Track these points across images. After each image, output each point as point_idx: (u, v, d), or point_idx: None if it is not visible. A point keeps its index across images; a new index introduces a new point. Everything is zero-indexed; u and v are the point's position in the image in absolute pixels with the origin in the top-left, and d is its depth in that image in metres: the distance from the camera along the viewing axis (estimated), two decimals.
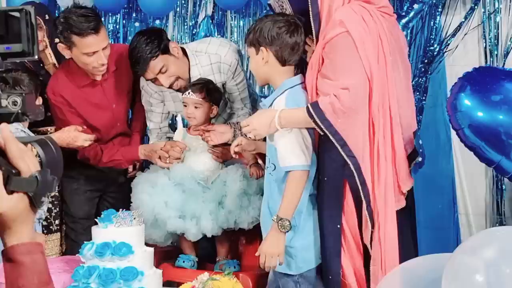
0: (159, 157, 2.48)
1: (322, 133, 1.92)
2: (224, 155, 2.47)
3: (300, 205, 1.99)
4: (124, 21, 3.50)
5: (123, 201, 2.58)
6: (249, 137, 1.98)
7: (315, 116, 1.88)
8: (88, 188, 2.70)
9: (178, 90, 2.49)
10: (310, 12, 1.96)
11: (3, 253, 0.89)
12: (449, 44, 2.95)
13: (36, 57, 0.97)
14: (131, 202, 2.51)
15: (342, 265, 1.96)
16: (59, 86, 2.50)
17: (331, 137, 1.89)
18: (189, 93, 2.42)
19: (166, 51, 2.39)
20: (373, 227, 1.92)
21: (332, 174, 1.96)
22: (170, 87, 2.45)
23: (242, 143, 2.21)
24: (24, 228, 0.89)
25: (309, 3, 1.95)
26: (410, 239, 2.03)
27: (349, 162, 1.90)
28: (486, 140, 2.15)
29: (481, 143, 2.16)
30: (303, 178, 1.97)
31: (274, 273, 2.07)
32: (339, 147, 1.89)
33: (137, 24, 3.51)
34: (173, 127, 2.77)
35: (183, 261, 2.47)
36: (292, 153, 1.97)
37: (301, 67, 2.09)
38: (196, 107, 2.43)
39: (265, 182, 2.11)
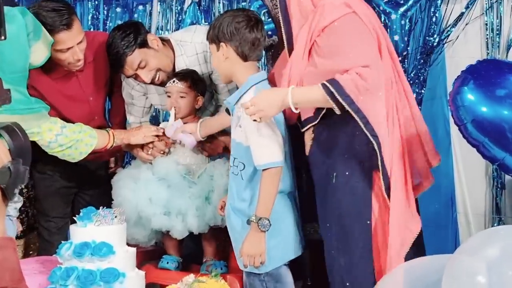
0: (142, 148, 2.45)
1: (338, 112, 1.89)
2: (212, 149, 2.45)
3: None
4: (104, 6, 3.45)
5: (101, 199, 2.53)
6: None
7: (335, 93, 1.86)
8: (63, 184, 2.65)
9: (160, 84, 2.47)
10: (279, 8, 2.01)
11: None
12: (449, 35, 2.95)
13: (3, 38, 0.95)
14: (111, 200, 2.49)
15: (375, 264, 1.95)
16: (31, 78, 2.45)
17: (354, 115, 1.88)
18: (174, 81, 2.41)
19: (143, 44, 2.38)
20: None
21: (358, 168, 1.95)
22: (152, 82, 2.43)
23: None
24: None
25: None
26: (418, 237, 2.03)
27: (372, 141, 1.90)
28: (489, 136, 2.15)
29: (484, 139, 2.16)
30: (278, 175, 2.02)
31: (244, 272, 2.14)
32: (362, 125, 1.89)
33: (118, 9, 3.45)
34: (155, 122, 2.75)
35: (167, 262, 2.44)
36: (267, 150, 2.00)
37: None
38: (181, 97, 2.42)
39: (229, 182, 2.15)
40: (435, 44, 2.96)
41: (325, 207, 2.03)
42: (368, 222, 1.96)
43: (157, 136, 2.46)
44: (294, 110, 1.94)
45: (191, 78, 2.43)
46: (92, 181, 2.71)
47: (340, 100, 1.87)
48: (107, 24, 3.37)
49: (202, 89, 2.48)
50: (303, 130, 2.08)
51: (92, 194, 2.71)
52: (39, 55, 2.25)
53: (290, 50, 2.03)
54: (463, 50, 2.93)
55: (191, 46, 2.46)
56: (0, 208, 0.89)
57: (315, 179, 2.09)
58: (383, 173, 1.92)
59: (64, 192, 2.67)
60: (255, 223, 2.01)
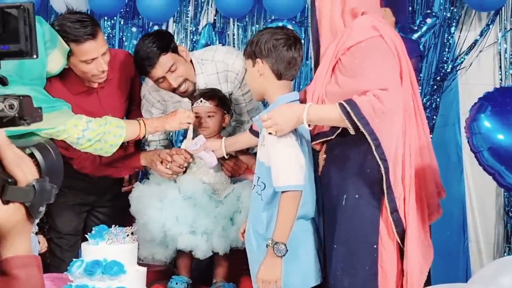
0: (161, 162, 2.46)
1: (353, 132, 1.93)
2: (234, 170, 2.47)
3: None
4: (120, 26, 3.55)
5: (113, 217, 2.58)
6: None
7: (351, 113, 1.89)
8: (77, 201, 2.69)
9: (182, 94, 2.49)
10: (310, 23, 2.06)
11: None
12: (463, 62, 3.01)
13: (35, 56, 0.97)
14: (124, 218, 2.51)
15: None
16: (52, 91, 2.50)
17: (367, 136, 1.91)
18: (201, 101, 2.43)
19: (175, 51, 2.42)
20: (400, 238, 1.96)
21: (368, 192, 1.98)
22: (178, 88, 2.43)
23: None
24: (20, 240, 0.89)
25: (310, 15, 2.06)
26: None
27: (380, 165, 1.92)
28: (506, 164, 2.17)
29: (501, 167, 2.17)
30: (297, 199, 2.00)
31: None
32: (373, 148, 1.91)
33: (134, 29, 3.56)
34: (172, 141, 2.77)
35: (176, 283, 2.45)
36: (287, 172, 1.99)
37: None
38: (209, 116, 2.45)
39: (252, 201, 2.14)
40: (448, 70, 3.01)
41: (333, 228, 2.06)
42: (375, 246, 1.98)
43: (178, 151, 2.45)
44: (307, 127, 1.96)
45: (218, 97, 2.45)
46: (105, 199, 2.75)
47: (356, 120, 1.89)
48: (123, 43, 3.47)
49: (228, 107, 2.50)
50: (313, 143, 2.10)
51: (105, 212, 2.75)
52: (55, 63, 2.28)
53: (317, 51, 2.06)
54: (476, 77, 2.98)
55: (211, 64, 2.50)
56: (26, 226, 0.89)
57: (325, 201, 2.12)
58: (389, 198, 1.94)
59: (77, 209, 2.71)
60: (271, 247, 1.98)
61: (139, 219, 2.42)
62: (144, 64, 2.39)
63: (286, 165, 2.00)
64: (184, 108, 2.51)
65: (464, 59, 3.00)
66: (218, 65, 2.50)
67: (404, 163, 1.97)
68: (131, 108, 2.72)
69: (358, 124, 1.90)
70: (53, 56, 2.25)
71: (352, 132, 1.94)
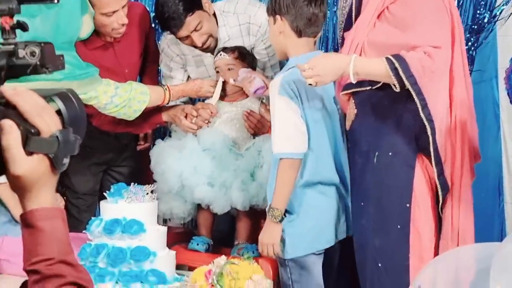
0: (185, 116, 2.47)
1: (398, 89, 1.88)
2: (258, 128, 2.46)
3: (299, 194, 2.07)
4: None
5: (130, 176, 2.59)
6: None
7: (400, 70, 1.84)
8: (93, 161, 2.70)
9: (204, 50, 2.48)
10: None
11: (22, 218, 0.89)
12: (502, 12, 2.89)
13: (56, 1, 0.96)
14: (141, 177, 2.52)
15: (410, 249, 1.98)
16: None
17: (414, 95, 1.87)
18: (220, 54, 2.45)
19: (201, 7, 2.39)
20: (443, 199, 1.96)
21: (403, 150, 1.96)
22: (203, 45, 2.44)
23: None
24: (45, 192, 0.88)
25: None
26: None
27: (427, 125, 1.90)
28: None
29: None
30: (294, 167, 2.02)
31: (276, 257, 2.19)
32: (420, 108, 1.88)
33: None
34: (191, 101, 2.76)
35: (197, 244, 2.46)
36: (284, 139, 2.00)
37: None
38: (229, 69, 2.44)
39: (272, 160, 2.15)
40: (485, 21, 2.89)
41: (361, 186, 2.04)
42: (408, 205, 1.97)
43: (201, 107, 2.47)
44: (352, 80, 1.91)
45: (237, 50, 2.45)
46: (122, 157, 2.76)
47: (404, 78, 1.85)
48: None
49: (251, 61, 2.49)
50: (343, 92, 2.05)
51: (122, 171, 2.76)
52: (86, 28, 2.32)
53: (357, 17, 2.01)
54: None
55: (233, 17, 2.48)
56: (50, 178, 0.89)
57: (351, 156, 2.10)
58: (436, 160, 1.92)
59: (94, 168, 2.72)
60: (268, 213, 2.06)
61: (157, 169, 2.42)
62: (169, 24, 2.37)
63: (282, 131, 2.00)
64: (206, 62, 2.49)
65: (503, 9, 2.88)
66: (240, 17, 2.47)
67: (451, 124, 1.94)
68: (145, 64, 2.71)
69: (406, 82, 1.85)
70: (84, 20, 2.28)
71: (397, 89, 1.88)
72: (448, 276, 1.63)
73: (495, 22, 2.87)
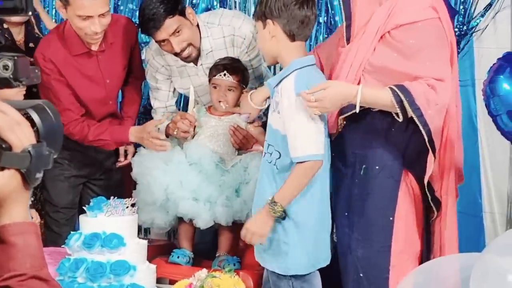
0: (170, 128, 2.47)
1: (401, 119, 1.91)
2: (242, 143, 2.46)
3: (309, 199, 2.01)
4: None
5: (109, 190, 2.56)
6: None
7: (405, 102, 1.87)
8: (72, 173, 2.68)
9: (185, 59, 2.48)
10: None
11: None
12: (478, 24, 2.94)
13: (30, 13, 0.95)
14: (121, 191, 2.50)
15: (391, 262, 2.01)
16: (50, 50, 2.47)
17: (420, 127, 1.90)
18: (225, 74, 2.42)
19: (183, 13, 2.39)
20: (437, 214, 2.04)
21: (390, 164, 2.00)
22: (181, 52, 2.42)
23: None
24: (17, 207, 0.88)
25: None
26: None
27: (431, 155, 1.95)
28: None
29: None
30: (314, 169, 1.97)
31: (267, 271, 2.13)
32: (425, 138, 1.92)
33: None
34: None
35: (178, 257, 2.45)
36: (308, 141, 1.95)
37: None
38: (229, 90, 2.44)
39: (261, 171, 2.11)
40: (462, 33, 2.94)
41: (345, 196, 2.06)
42: (391, 218, 2.01)
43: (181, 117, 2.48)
44: (357, 110, 1.92)
45: (241, 72, 2.45)
46: (102, 171, 2.74)
47: (409, 111, 1.88)
48: (118, 8, 3.38)
49: (247, 82, 2.50)
50: (342, 117, 2.06)
51: (101, 184, 2.74)
52: None
53: (348, 26, 2.00)
54: (492, 40, 2.91)
55: (218, 28, 2.47)
56: (22, 193, 0.88)
57: (335, 163, 2.09)
58: (430, 187, 2.00)
59: (73, 181, 2.70)
60: (268, 204, 1.98)
61: (142, 180, 2.41)
62: (148, 25, 2.36)
63: (305, 133, 1.96)
64: (190, 72, 2.49)
65: (479, 21, 2.93)
66: (224, 29, 2.48)
67: (441, 144, 1.99)
68: (128, 80, 2.70)
69: (412, 114, 1.88)
70: None
71: (400, 119, 1.91)
72: (428, 286, 1.64)
73: (471, 33, 2.93)
